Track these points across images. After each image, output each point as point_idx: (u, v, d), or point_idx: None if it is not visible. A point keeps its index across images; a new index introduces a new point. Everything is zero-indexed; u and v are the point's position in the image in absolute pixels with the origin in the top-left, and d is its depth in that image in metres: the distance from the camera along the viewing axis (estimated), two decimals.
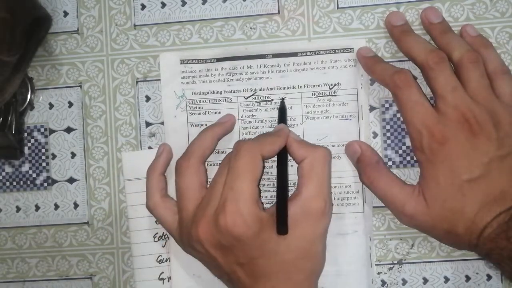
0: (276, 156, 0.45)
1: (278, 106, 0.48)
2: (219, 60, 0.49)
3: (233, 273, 0.43)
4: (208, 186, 0.45)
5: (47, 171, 0.51)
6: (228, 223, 0.41)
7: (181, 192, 0.45)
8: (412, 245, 0.48)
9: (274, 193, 0.45)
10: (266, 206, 0.46)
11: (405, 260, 0.48)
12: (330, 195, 0.44)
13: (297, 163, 0.45)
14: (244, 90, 0.49)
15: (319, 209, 0.42)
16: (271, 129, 0.48)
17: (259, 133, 0.49)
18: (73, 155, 0.51)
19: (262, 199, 0.48)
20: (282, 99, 0.48)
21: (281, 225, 0.41)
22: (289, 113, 0.48)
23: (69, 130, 0.51)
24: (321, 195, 0.43)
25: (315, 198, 0.42)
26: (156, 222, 0.49)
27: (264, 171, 0.47)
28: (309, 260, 0.43)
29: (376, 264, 0.49)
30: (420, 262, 0.48)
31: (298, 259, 0.43)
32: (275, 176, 0.45)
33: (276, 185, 0.44)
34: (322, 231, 0.44)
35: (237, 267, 0.43)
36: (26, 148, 0.52)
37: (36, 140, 0.52)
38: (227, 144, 0.49)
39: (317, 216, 0.42)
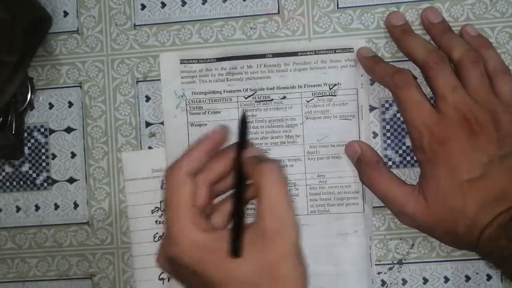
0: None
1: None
2: (219, 60, 0.49)
3: None
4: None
5: (47, 171, 0.51)
6: (168, 253, 0.39)
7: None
8: (412, 245, 0.48)
9: None
10: None
11: (405, 260, 0.48)
12: (286, 212, 0.38)
13: None
14: (244, 90, 0.49)
15: (272, 230, 0.37)
16: (270, 129, 0.49)
17: (259, 133, 0.49)
18: (73, 155, 0.51)
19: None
20: (244, 110, 0.46)
21: (234, 247, 0.37)
22: (289, 113, 0.48)
23: (69, 130, 0.51)
24: (273, 215, 0.37)
25: (267, 220, 0.37)
26: (156, 221, 0.49)
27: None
28: (277, 283, 0.37)
29: (376, 264, 0.48)
30: (420, 262, 0.48)
31: (260, 285, 0.37)
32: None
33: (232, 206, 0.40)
34: (282, 253, 0.37)
35: None
36: (26, 148, 0.52)
37: (36, 140, 0.52)
38: None
39: (272, 238, 0.37)
